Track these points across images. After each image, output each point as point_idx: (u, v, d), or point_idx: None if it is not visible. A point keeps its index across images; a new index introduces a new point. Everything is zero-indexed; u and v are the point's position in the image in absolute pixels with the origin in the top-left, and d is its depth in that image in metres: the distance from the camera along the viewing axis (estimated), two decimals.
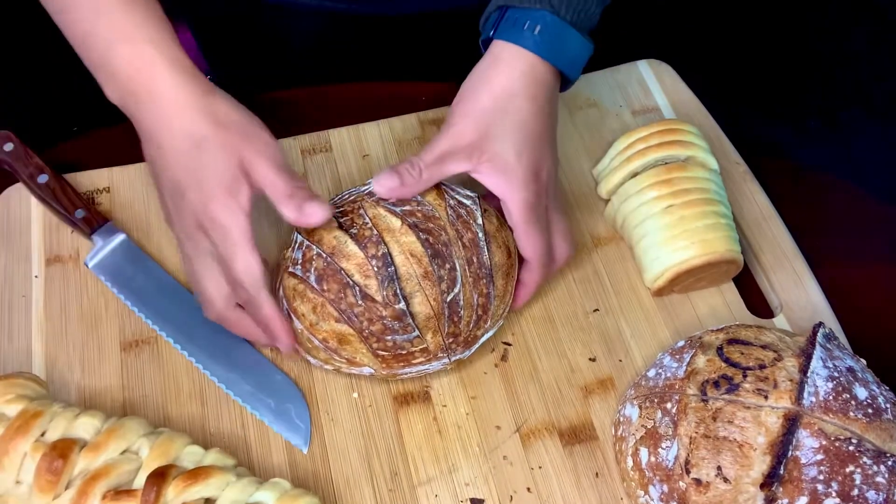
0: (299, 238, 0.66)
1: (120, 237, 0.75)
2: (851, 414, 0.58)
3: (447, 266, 0.64)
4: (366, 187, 0.67)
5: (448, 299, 0.64)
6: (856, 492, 0.56)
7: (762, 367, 0.61)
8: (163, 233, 0.77)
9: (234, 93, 0.65)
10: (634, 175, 0.75)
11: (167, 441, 0.61)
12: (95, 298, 0.73)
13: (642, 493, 0.62)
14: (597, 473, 0.66)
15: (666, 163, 0.75)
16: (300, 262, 0.65)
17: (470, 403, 0.69)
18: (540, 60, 0.66)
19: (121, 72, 0.63)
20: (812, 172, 0.84)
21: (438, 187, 0.67)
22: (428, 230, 0.65)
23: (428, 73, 0.87)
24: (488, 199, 0.70)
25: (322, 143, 0.83)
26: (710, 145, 0.77)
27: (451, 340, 0.65)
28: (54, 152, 0.80)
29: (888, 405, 0.60)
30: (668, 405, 0.61)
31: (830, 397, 0.59)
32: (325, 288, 0.64)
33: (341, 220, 0.66)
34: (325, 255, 0.64)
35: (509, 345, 0.72)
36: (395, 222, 0.64)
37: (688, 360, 0.63)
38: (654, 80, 0.88)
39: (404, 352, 0.65)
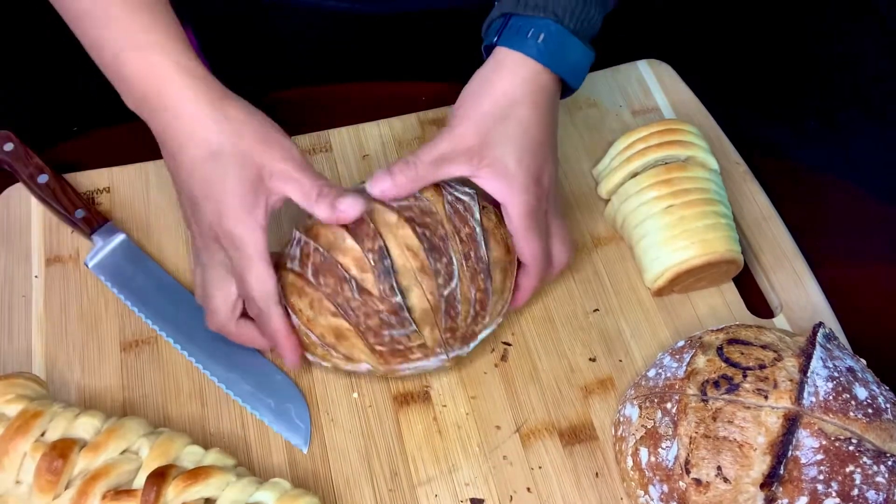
0: (297, 234, 0.66)
1: (120, 237, 0.75)
2: (851, 414, 0.58)
3: (444, 260, 0.64)
4: (362, 185, 0.67)
5: (445, 293, 0.64)
6: (856, 492, 0.56)
7: (762, 367, 0.61)
8: (163, 233, 0.77)
9: (234, 92, 0.65)
10: (634, 175, 0.75)
11: (167, 441, 0.61)
12: (95, 298, 0.73)
13: (642, 493, 0.62)
14: (597, 473, 0.66)
15: (666, 163, 0.75)
16: (298, 257, 0.65)
17: (470, 403, 0.69)
18: (542, 68, 0.66)
19: (131, 79, 0.62)
20: (812, 173, 0.84)
21: (436, 183, 0.67)
22: (425, 224, 0.65)
23: (428, 73, 0.87)
24: (488, 201, 0.70)
25: (322, 143, 0.83)
26: (710, 145, 0.77)
27: (448, 335, 0.65)
28: (54, 152, 0.80)
29: (888, 405, 0.60)
30: (668, 405, 0.61)
31: (830, 397, 0.59)
32: (322, 282, 0.63)
33: None
34: (322, 250, 0.64)
35: (509, 345, 0.72)
36: (392, 217, 0.64)
37: (688, 360, 0.63)
38: (654, 80, 0.88)
39: (402, 347, 0.64)
